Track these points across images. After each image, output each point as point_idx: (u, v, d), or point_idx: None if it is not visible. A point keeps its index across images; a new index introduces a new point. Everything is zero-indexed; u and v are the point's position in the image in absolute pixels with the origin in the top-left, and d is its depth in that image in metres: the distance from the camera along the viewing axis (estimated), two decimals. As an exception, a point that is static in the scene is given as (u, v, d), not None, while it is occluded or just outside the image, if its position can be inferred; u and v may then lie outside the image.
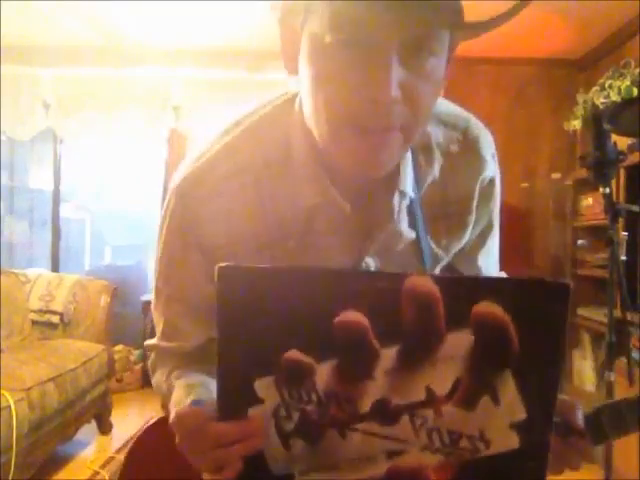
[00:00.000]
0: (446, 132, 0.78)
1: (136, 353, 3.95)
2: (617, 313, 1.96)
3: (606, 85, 3.04)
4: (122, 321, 3.78)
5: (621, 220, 2.30)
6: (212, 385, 0.63)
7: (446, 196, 0.78)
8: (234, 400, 0.53)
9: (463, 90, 3.80)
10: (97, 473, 2.57)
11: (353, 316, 0.49)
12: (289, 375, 0.51)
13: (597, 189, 1.97)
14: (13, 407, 2.14)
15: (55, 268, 4.09)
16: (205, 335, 0.76)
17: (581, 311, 3.22)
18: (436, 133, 0.77)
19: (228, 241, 0.73)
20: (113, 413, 3.12)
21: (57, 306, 3.20)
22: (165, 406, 0.75)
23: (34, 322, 3.15)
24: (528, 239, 3.80)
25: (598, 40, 3.54)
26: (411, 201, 0.75)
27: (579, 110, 3.33)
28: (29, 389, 2.32)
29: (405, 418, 0.51)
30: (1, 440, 2.07)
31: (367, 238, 0.74)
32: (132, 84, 3.82)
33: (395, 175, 0.72)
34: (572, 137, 3.64)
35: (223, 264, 0.50)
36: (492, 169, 0.80)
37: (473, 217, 0.80)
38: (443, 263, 0.82)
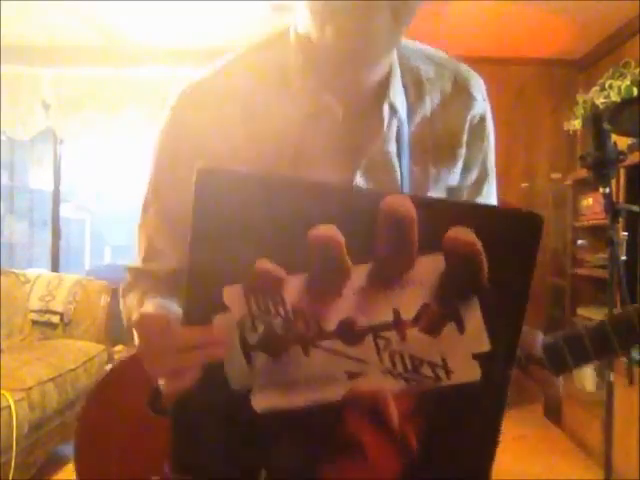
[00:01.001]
0: (437, 69, 0.79)
1: (136, 353, 3.95)
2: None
3: (606, 85, 3.04)
4: (122, 321, 3.78)
5: (621, 220, 2.30)
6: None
7: (435, 130, 0.78)
8: (200, 306, 0.51)
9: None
10: (97, 473, 2.57)
11: (328, 230, 0.48)
12: (258, 285, 0.49)
13: (597, 189, 1.97)
14: (13, 407, 2.14)
15: (55, 268, 4.09)
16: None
17: (581, 311, 3.22)
18: (426, 69, 0.78)
19: (218, 157, 0.70)
20: (113, 413, 3.12)
21: (57, 306, 3.20)
22: (132, 332, 0.73)
23: (34, 322, 3.15)
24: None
25: (598, 40, 3.54)
26: (399, 126, 0.75)
27: (579, 110, 3.33)
28: (29, 389, 2.32)
29: (369, 339, 0.50)
30: (1, 440, 2.07)
31: (358, 155, 0.74)
32: (132, 84, 3.82)
33: (385, 87, 0.74)
34: (572, 137, 3.64)
35: (202, 166, 0.49)
36: (482, 107, 0.81)
37: (463, 151, 0.80)
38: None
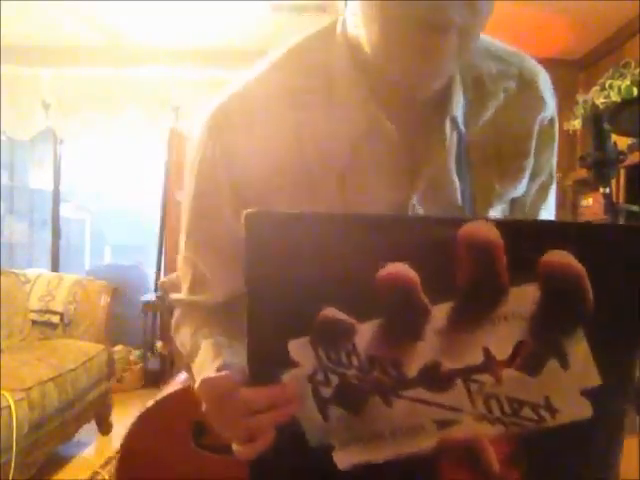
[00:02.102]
0: (500, 66, 0.70)
1: (136, 353, 3.95)
2: (617, 313, 1.96)
3: (606, 85, 3.04)
4: (122, 321, 3.78)
5: (621, 220, 2.30)
6: (241, 349, 0.56)
7: (500, 137, 0.69)
8: (266, 363, 0.48)
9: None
10: (97, 473, 2.57)
11: (399, 268, 0.43)
12: (326, 336, 0.45)
13: (597, 189, 1.96)
14: (13, 407, 2.14)
15: (55, 268, 4.09)
16: (236, 286, 0.65)
17: (581, 311, 3.22)
18: (489, 67, 0.69)
19: (262, 177, 0.66)
20: (113, 413, 3.12)
21: (57, 306, 3.20)
22: (188, 367, 0.70)
23: (34, 322, 3.15)
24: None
25: (598, 40, 3.54)
26: (460, 138, 0.67)
27: (579, 110, 3.32)
28: (29, 389, 2.32)
29: (459, 384, 0.45)
30: (1, 440, 2.07)
31: (415, 175, 0.66)
32: (132, 84, 3.82)
33: (446, 100, 0.65)
34: (572, 137, 3.64)
35: (251, 210, 0.44)
36: (552, 108, 0.73)
37: (531, 161, 0.72)
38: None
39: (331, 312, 0.45)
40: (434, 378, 0.45)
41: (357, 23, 0.62)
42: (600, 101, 3.05)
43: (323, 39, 0.68)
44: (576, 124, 3.38)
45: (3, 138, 4.09)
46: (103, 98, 3.82)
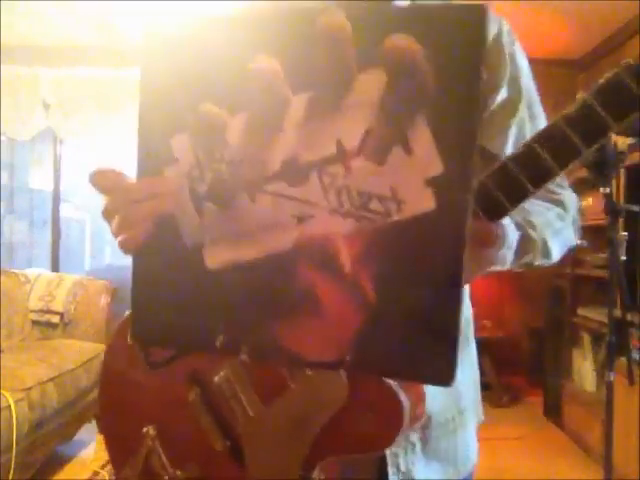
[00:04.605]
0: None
1: (136, 353, 3.95)
2: (617, 313, 1.96)
3: (606, 85, 3.04)
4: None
5: (621, 220, 2.30)
6: None
7: None
8: (151, 158, 0.50)
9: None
10: (97, 473, 2.57)
11: (263, 60, 0.45)
12: (202, 130, 0.47)
13: (597, 189, 1.97)
14: (13, 407, 2.14)
15: (55, 268, 4.09)
16: None
17: (581, 311, 3.22)
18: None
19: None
20: (113, 413, 3.12)
21: (57, 306, 3.20)
22: None
23: (34, 322, 3.15)
24: (528, 239, 3.79)
25: (598, 40, 3.54)
26: None
27: (579, 110, 3.32)
28: (29, 389, 2.32)
29: (314, 177, 0.45)
30: (1, 440, 2.07)
31: None
32: (132, 84, 3.82)
33: None
34: (572, 137, 3.64)
35: (148, 24, 0.50)
36: (494, 28, 0.76)
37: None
38: None
39: (206, 107, 0.47)
40: (293, 171, 0.46)
41: None
42: (600, 101, 3.05)
43: None
44: (576, 124, 3.38)
45: (3, 138, 4.09)
46: (103, 98, 3.82)
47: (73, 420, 2.70)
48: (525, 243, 0.66)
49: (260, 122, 0.46)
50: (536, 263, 0.71)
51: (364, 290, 0.45)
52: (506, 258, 0.62)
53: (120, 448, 0.73)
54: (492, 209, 0.52)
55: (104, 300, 3.26)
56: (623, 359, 1.96)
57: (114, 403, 0.74)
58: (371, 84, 0.43)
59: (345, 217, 0.45)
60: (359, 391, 0.56)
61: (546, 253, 0.71)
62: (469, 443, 0.84)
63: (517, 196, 0.52)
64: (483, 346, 4.24)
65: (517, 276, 3.76)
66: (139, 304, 0.53)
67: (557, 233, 0.73)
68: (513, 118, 0.78)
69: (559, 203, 0.77)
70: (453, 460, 0.80)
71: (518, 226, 0.65)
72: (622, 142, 2.43)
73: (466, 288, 0.70)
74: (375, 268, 0.45)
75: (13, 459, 2.11)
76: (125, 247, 0.53)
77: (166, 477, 0.67)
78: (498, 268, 0.62)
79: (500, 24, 0.77)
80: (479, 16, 0.42)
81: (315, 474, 0.60)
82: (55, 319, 3.19)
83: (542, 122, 0.80)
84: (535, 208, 0.70)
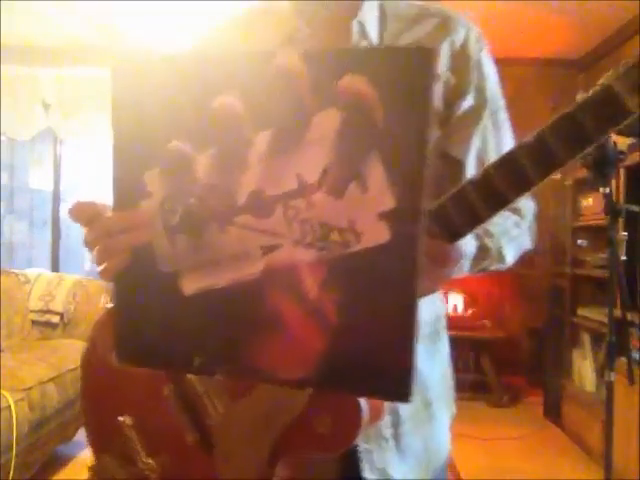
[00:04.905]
0: (420, 11, 0.80)
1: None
2: (617, 313, 1.96)
3: (606, 85, 3.04)
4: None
5: (621, 220, 2.30)
6: None
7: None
8: (126, 193, 0.53)
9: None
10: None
11: (227, 100, 0.48)
12: (171, 166, 0.51)
13: (597, 189, 1.97)
14: (13, 407, 2.14)
15: (55, 268, 4.09)
16: None
17: (581, 311, 3.22)
18: (409, 8, 0.80)
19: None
20: (113, 413, 3.12)
21: (57, 306, 3.20)
22: None
23: (34, 322, 3.15)
24: (528, 239, 3.79)
25: (598, 40, 3.54)
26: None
27: (579, 110, 3.32)
28: (29, 389, 2.32)
29: (279, 210, 0.49)
30: (1, 440, 2.07)
31: None
32: (132, 84, 3.82)
33: (356, 7, 0.76)
34: (572, 137, 3.64)
35: (116, 60, 0.52)
36: (463, 34, 0.80)
37: (447, 75, 0.78)
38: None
39: (174, 144, 0.50)
40: (259, 204, 0.49)
41: None
42: (600, 101, 3.05)
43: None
44: (576, 124, 3.38)
45: (3, 138, 4.09)
46: (103, 98, 3.82)
47: (73, 420, 2.70)
48: (482, 252, 0.72)
49: (226, 158, 0.50)
50: (491, 268, 0.77)
51: (327, 314, 0.48)
52: (463, 268, 0.68)
53: (99, 435, 0.78)
54: (450, 231, 0.56)
55: (104, 300, 3.26)
56: (623, 359, 1.96)
57: (94, 391, 0.79)
58: (328, 122, 0.46)
59: (308, 247, 0.48)
60: (320, 395, 0.61)
61: (501, 259, 0.76)
62: (440, 436, 0.85)
63: (473, 220, 0.56)
64: (483, 346, 4.21)
65: (517, 276, 3.76)
66: (121, 328, 0.57)
67: (513, 240, 0.78)
68: (477, 126, 0.81)
69: (516, 211, 0.81)
70: (425, 453, 0.82)
71: (476, 236, 0.70)
72: (622, 142, 2.43)
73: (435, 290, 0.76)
74: (337, 294, 0.48)
75: (13, 459, 2.11)
76: (105, 276, 0.56)
77: (140, 465, 0.72)
78: (454, 276, 0.66)
79: (468, 30, 0.80)
80: (427, 59, 0.44)
81: (277, 470, 0.64)
82: (55, 319, 3.19)
83: (506, 131, 0.84)
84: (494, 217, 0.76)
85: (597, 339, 3.08)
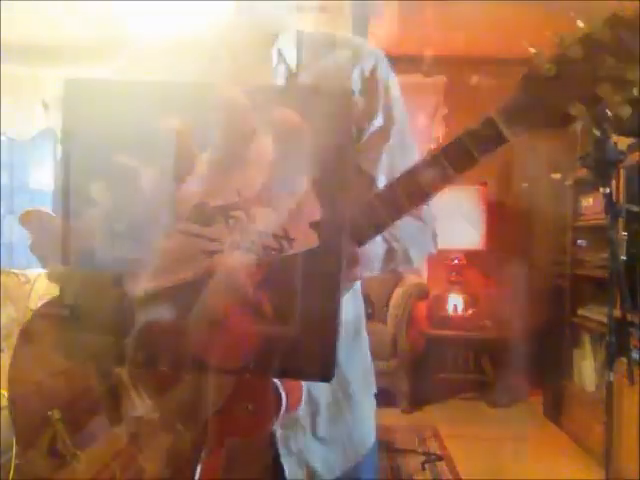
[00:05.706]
0: (337, 45, 0.90)
1: (136, 353, 3.95)
2: (617, 313, 1.97)
3: (606, 85, 3.04)
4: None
5: (621, 220, 2.30)
6: None
7: (324, 81, 0.88)
8: (72, 201, 0.58)
9: (463, 90, 3.79)
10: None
11: (172, 122, 0.54)
12: (117, 178, 0.55)
13: (597, 189, 1.97)
14: (13, 407, 2.14)
15: (55, 268, 4.09)
16: None
17: (581, 311, 3.23)
18: (324, 42, 0.91)
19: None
20: (113, 413, 3.12)
21: (57, 306, 3.20)
22: None
23: (34, 322, 3.14)
24: (528, 239, 3.80)
25: (598, 40, 3.54)
26: (288, 73, 0.86)
27: (579, 110, 3.32)
28: (29, 389, 2.32)
29: (221, 219, 0.55)
30: (1, 440, 2.07)
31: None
32: (132, 84, 3.83)
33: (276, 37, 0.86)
34: (572, 137, 3.64)
35: (69, 77, 0.56)
36: (371, 63, 0.90)
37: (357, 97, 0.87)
38: None
39: (120, 158, 0.55)
40: (203, 215, 0.55)
41: None
42: (600, 101, 3.05)
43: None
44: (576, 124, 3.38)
45: (3, 138, 4.09)
46: (103, 98, 3.82)
47: (73, 420, 2.70)
48: (390, 254, 0.85)
49: (171, 174, 0.55)
50: (399, 269, 0.89)
51: (263, 310, 0.55)
52: (374, 268, 0.82)
53: (26, 429, 0.81)
54: (360, 237, 0.67)
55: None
56: (623, 359, 1.97)
57: (23, 385, 0.82)
58: (264, 147, 0.54)
59: (247, 252, 0.55)
60: (242, 385, 0.70)
61: (408, 260, 0.89)
62: (363, 425, 0.96)
63: (378, 227, 0.68)
64: (483, 346, 4.21)
65: (517, 276, 3.76)
66: (69, 325, 0.61)
67: (417, 244, 0.91)
68: (386, 143, 0.92)
69: (419, 218, 0.93)
70: (349, 442, 0.93)
71: (384, 240, 0.83)
72: (622, 142, 2.43)
73: (357, 289, 0.94)
74: (272, 292, 0.56)
75: (13, 459, 2.11)
76: (52, 280, 0.61)
77: (68, 457, 0.76)
78: (365, 275, 0.78)
79: (377, 59, 0.91)
80: (346, 97, 0.54)
81: (203, 454, 0.71)
82: (55, 319, 3.19)
83: (412, 153, 0.95)
84: (401, 223, 0.84)
85: (597, 339, 3.09)
